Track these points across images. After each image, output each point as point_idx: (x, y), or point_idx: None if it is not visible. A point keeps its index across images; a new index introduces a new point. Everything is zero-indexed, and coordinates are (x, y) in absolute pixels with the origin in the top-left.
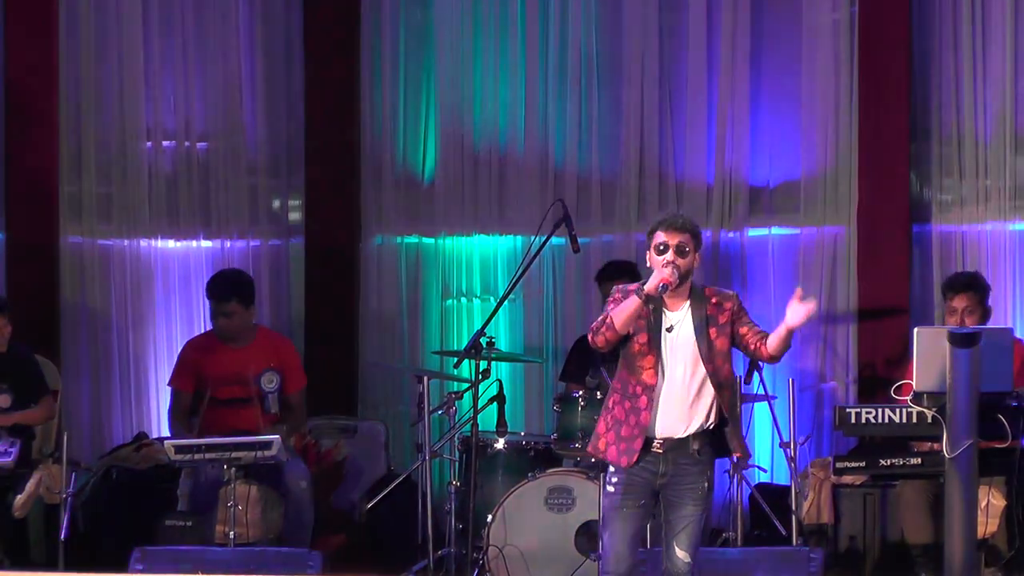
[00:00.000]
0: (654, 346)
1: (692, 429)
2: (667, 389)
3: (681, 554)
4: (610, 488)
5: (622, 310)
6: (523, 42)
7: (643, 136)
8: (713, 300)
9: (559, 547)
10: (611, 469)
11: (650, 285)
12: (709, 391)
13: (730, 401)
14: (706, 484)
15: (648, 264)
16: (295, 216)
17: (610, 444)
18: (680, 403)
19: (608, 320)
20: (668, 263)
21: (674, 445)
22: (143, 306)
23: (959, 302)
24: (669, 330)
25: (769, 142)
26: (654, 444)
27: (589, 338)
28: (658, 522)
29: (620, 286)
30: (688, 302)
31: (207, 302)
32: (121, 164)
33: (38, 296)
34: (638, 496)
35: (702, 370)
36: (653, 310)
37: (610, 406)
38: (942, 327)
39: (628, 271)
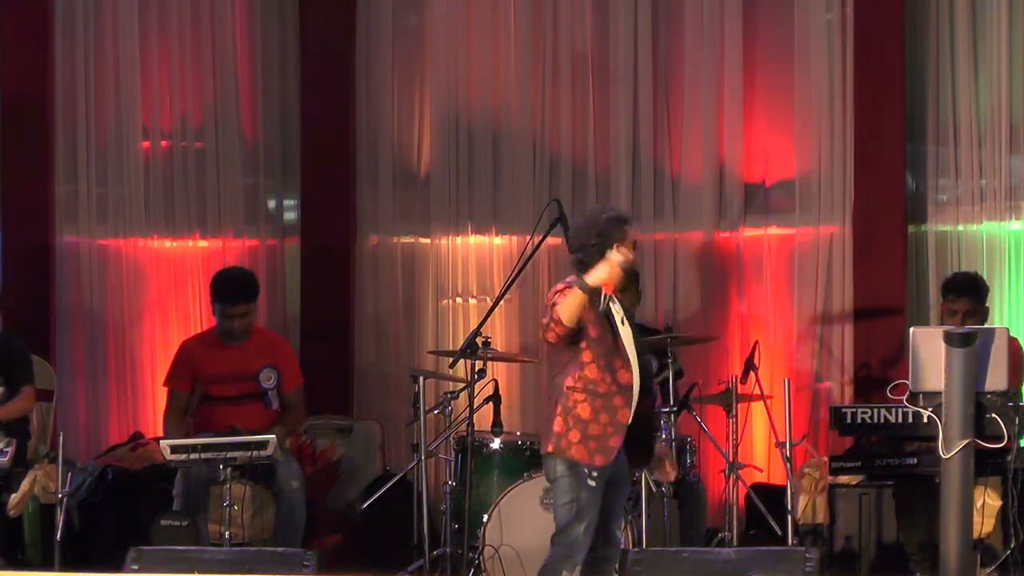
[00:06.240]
0: (620, 345)
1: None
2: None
3: (619, 534)
4: (591, 483)
5: (567, 305)
6: (518, 41)
7: (639, 136)
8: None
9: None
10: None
11: (606, 278)
12: None
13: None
14: (626, 464)
15: (609, 258)
16: (291, 216)
17: (573, 444)
18: (633, 393)
19: (556, 316)
20: (626, 259)
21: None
22: (139, 306)
23: (961, 305)
24: (623, 322)
25: (764, 142)
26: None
27: (540, 335)
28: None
29: (560, 285)
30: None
31: (209, 301)
32: (117, 164)
33: (34, 296)
34: (603, 490)
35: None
36: (603, 308)
37: (570, 406)
38: (938, 327)
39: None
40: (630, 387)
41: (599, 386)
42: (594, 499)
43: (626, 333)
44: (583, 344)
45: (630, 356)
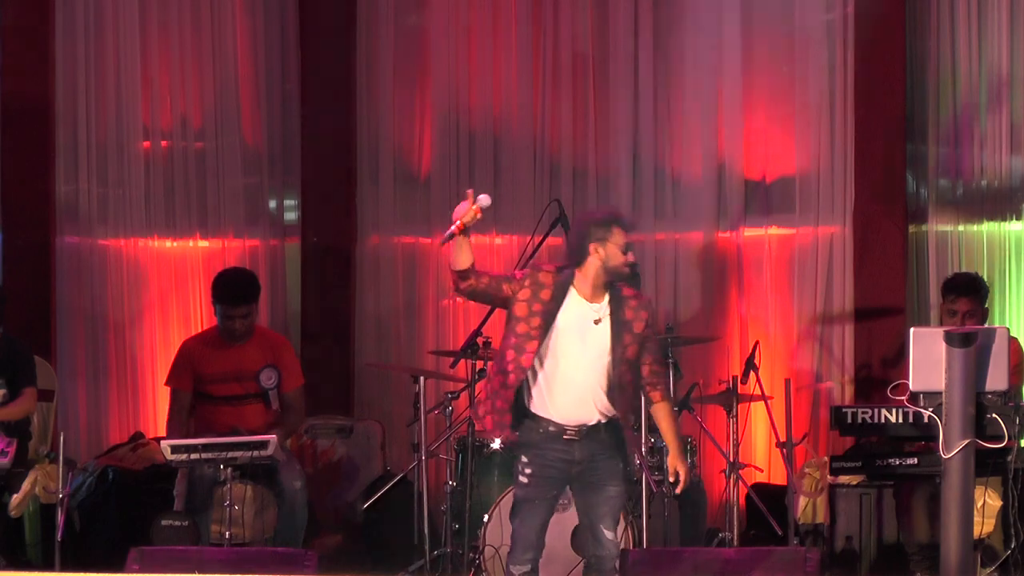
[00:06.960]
0: (543, 332)
1: (599, 418)
2: (566, 376)
3: (609, 535)
4: (523, 479)
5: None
6: (518, 41)
7: (639, 136)
8: (632, 303)
9: (555, 547)
10: (524, 460)
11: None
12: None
13: (625, 410)
14: (621, 463)
15: (612, 258)
16: (291, 216)
17: (489, 413)
18: (587, 392)
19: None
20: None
21: (587, 432)
22: (139, 306)
23: (961, 305)
24: (597, 323)
25: (765, 143)
26: (567, 431)
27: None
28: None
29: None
30: (607, 297)
31: (210, 301)
32: (117, 164)
33: (34, 296)
34: (550, 487)
35: (609, 366)
36: (552, 299)
37: (490, 376)
38: (938, 327)
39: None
40: (525, 370)
41: (501, 363)
42: (529, 495)
43: (574, 331)
44: (511, 323)
45: (558, 347)
